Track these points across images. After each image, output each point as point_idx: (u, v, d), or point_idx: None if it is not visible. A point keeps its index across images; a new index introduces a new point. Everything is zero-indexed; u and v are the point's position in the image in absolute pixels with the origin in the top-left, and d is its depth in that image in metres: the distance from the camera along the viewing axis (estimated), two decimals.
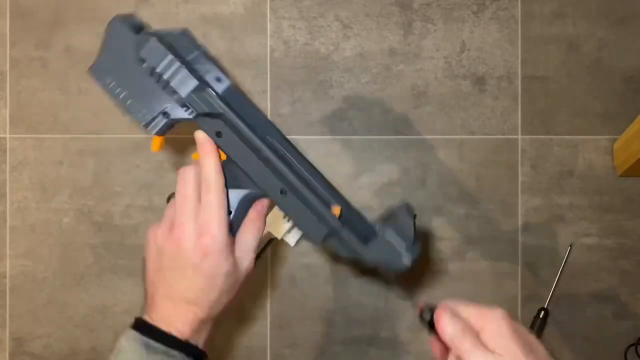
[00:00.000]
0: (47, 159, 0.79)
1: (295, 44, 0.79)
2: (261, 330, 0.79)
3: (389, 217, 0.52)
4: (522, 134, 0.78)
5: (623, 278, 0.78)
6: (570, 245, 0.78)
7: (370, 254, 0.50)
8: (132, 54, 0.48)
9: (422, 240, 0.52)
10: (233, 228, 0.50)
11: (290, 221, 0.74)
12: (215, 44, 0.79)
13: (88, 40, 0.79)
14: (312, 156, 0.78)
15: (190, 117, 0.48)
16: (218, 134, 0.49)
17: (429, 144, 0.78)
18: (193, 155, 0.51)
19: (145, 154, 0.79)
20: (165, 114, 0.49)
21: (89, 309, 0.79)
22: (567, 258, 0.77)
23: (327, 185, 0.52)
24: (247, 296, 0.79)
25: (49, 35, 0.80)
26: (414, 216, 0.51)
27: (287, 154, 0.51)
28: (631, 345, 0.77)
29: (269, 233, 0.76)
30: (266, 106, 0.79)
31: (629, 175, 0.77)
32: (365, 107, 0.79)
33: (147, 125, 0.49)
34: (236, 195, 0.51)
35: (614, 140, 0.78)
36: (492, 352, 0.42)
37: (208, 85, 0.49)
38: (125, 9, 0.79)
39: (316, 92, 0.79)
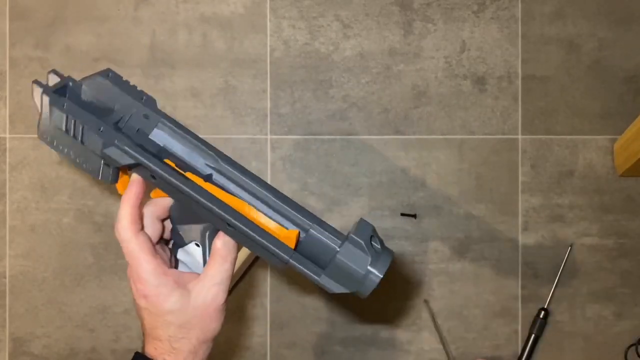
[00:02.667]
0: (47, 159, 0.79)
1: (295, 44, 0.79)
2: (261, 330, 0.79)
3: (347, 236, 0.49)
4: (522, 134, 0.78)
5: (623, 278, 0.78)
6: (570, 245, 0.78)
7: (329, 281, 0.46)
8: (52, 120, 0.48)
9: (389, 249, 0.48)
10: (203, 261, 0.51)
11: None
12: (215, 43, 0.79)
13: (88, 40, 0.79)
14: (312, 156, 0.78)
15: (117, 165, 0.48)
16: (152, 177, 0.48)
17: (429, 144, 0.78)
18: (151, 194, 0.51)
19: None
20: (106, 165, 0.49)
21: (89, 309, 0.79)
22: (567, 258, 0.77)
23: (289, 205, 0.49)
24: (247, 296, 0.79)
25: (48, 35, 0.80)
26: (372, 227, 0.48)
27: (234, 179, 0.50)
28: (631, 345, 0.77)
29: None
30: (266, 106, 0.79)
31: (629, 175, 0.77)
32: (365, 107, 0.79)
33: (100, 178, 0.50)
34: (197, 229, 0.51)
35: (614, 140, 0.78)
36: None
37: (120, 131, 0.48)
38: (125, 9, 0.79)
39: (316, 92, 0.79)
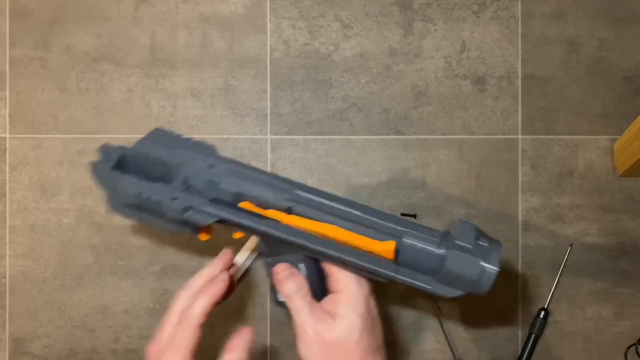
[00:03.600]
0: (47, 159, 0.79)
1: (295, 44, 0.79)
2: (261, 330, 0.79)
3: (449, 238, 0.47)
4: (522, 134, 0.78)
5: (623, 278, 0.78)
6: (570, 245, 0.78)
7: (443, 288, 0.46)
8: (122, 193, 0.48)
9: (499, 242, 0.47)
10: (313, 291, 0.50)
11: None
12: (215, 43, 0.79)
13: (88, 40, 0.79)
14: (312, 156, 0.78)
15: (201, 226, 0.48)
16: (235, 228, 0.49)
17: (429, 144, 0.78)
18: (234, 235, 0.51)
19: None
20: (185, 222, 0.48)
21: (89, 309, 0.79)
22: (567, 258, 0.77)
23: (377, 217, 0.48)
24: (247, 296, 0.79)
25: (48, 35, 0.80)
26: (475, 227, 0.47)
27: (314, 204, 0.49)
28: (631, 345, 0.77)
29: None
30: (266, 106, 0.79)
31: (629, 175, 0.77)
32: (365, 107, 0.79)
33: (185, 233, 0.50)
34: (289, 259, 0.51)
35: (614, 140, 0.78)
36: (332, 315, 0.47)
37: (190, 190, 0.48)
38: (125, 9, 0.79)
39: (316, 92, 0.79)
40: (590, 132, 0.78)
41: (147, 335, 0.79)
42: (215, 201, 0.47)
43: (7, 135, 0.80)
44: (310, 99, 0.79)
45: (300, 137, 0.79)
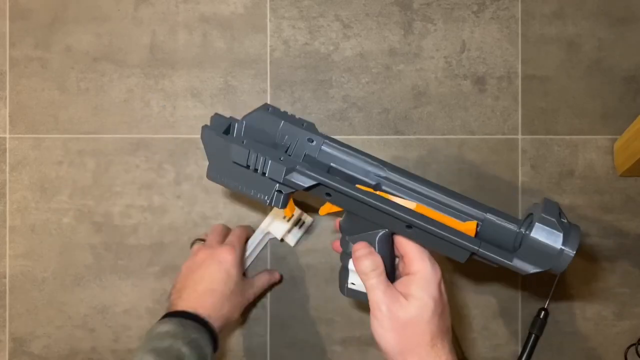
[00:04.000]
0: (47, 159, 0.79)
1: (295, 44, 0.79)
2: (261, 331, 0.79)
3: (530, 218, 0.50)
4: (522, 134, 0.78)
5: (623, 278, 0.78)
6: None
7: (522, 263, 0.47)
8: (228, 157, 0.51)
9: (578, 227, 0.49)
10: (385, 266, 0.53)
11: (290, 221, 0.74)
12: (215, 44, 0.79)
13: (88, 40, 0.79)
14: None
15: (299, 188, 0.51)
16: (327, 195, 0.51)
17: (429, 144, 0.78)
18: (320, 211, 0.54)
19: (145, 154, 0.79)
20: (278, 191, 0.51)
21: (89, 309, 0.79)
22: None
23: (458, 199, 0.52)
24: None
25: (48, 35, 0.80)
26: (558, 205, 0.49)
27: (402, 183, 0.53)
28: (631, 345, 0.77)
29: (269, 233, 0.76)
30: None
31: (629, 175, 0.77)
32: (365, 107, 0.79)
33: (270, 204, 0.52)
34: (368, 237, 0.53)
35: (614, 140, 0.78)
36: (405, 295, 0.50)
37: (298, 158, 0.52)
38: (125, 9, 0.79)
39: (316, 92, 0.79)
40: (590, 132, 0.78)
41: None
42: (315, 168, 0.50)
43: (7, 135, 0.80)
44: (310, 99, 0.79)
45: None
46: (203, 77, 0.79)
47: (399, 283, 0.52)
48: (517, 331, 0.78)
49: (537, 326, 0.76)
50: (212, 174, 0.54)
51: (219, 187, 0.78)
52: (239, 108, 0.79)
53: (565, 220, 0.48)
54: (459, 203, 0.52)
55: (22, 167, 0.80)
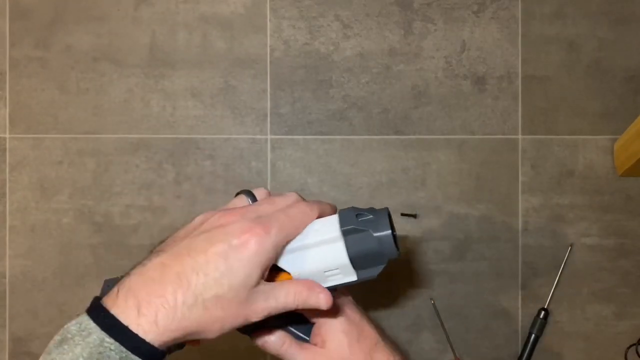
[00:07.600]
0: (46, 159, 0.79)
1: (295, 44, 0.79)
2: None
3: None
4: (522, 134, 0.78)
5: (623, 278, 0.78)
6: (570, 245, 0.78)
7: (366, 272, 0.47)
8: None
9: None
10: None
11: None
12: (215, 43, 0.79)
13: (88, 40, 0.79)
14: (312, 156, 0.78)
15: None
16: None
17: (429, 144, 0.78)
18: None
19: (145, 154, 0.79)
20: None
21: None
22: (567, 258, 0.77)
23: None
24: None
25: (48, 35, 0.80)
26: (351, 208, 0.47)
27: None
28: (631, 345, 0.77)
29: None
30: (266, 106, 0.79)
31: (629, 175, 0.77)
32: (365, 107, 0.79)
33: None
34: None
35: (614, 140, 0.78)
36: (320, 344, 0.50)
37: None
38: (125, 9, 0.79)
39: (316, 92, 0.79)
40: (590, 132, 0.78)
41: None
42: None
43: (7, 135, 0.80)
44: (310, 99, 0.79)
45: (300, 137, 0.79)
46: (203, 77, 0.79)
47: (313, 335, 0.52)
48: (517, 331, 0.78)
49: (537, 326, 0.76)
50: None
51: (219, 187, 0.78)
52: (239, 108, 0.79)
53: (369, 214, 0.47)
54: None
55: (22, 167, 0.79)
